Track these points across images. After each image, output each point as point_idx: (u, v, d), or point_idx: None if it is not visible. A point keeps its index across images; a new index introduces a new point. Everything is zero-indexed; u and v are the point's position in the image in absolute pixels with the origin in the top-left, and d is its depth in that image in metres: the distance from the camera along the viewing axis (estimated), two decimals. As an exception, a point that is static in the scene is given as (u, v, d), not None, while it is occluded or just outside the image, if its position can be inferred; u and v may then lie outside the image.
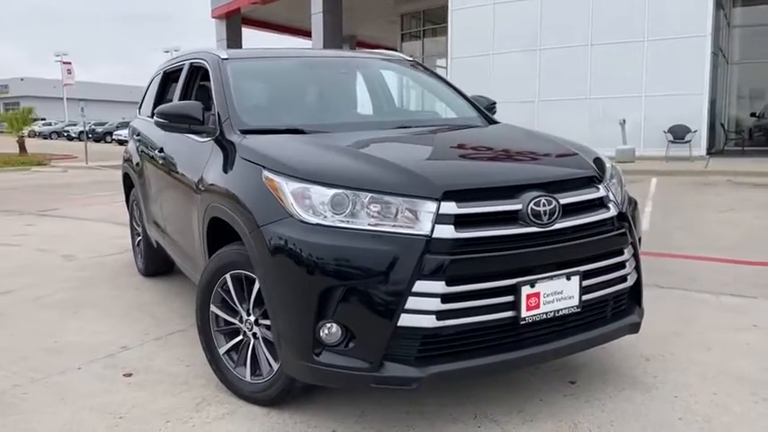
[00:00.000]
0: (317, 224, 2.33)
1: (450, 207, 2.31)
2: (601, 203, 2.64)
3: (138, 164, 4.79)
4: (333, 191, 2.36)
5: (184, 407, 2.82)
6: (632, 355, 3.26)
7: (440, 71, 23.82)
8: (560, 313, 2.46)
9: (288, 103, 3.59)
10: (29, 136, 34.63)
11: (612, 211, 2.65)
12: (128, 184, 5.35)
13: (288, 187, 2.44)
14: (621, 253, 2.66)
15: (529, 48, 17.52)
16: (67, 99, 33.64)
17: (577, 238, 2.50)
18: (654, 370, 3.08)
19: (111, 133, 41.38)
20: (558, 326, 2.51)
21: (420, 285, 2.24)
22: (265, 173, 2.57)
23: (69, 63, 24.41)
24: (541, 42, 17.38)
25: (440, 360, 2.32)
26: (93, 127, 40.31)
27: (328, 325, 2.32)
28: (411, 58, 4.18)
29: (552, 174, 2.62)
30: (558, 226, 2.45)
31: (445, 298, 2.26)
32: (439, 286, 2.25)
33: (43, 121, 50.71)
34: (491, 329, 2.37)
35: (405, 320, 2.25)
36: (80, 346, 3.60)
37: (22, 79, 72.19)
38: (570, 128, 16.40)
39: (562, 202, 2.47)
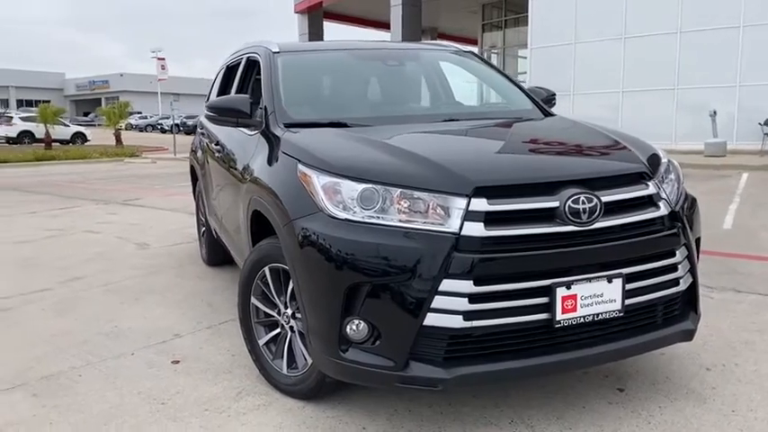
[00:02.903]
0: (346, 219, 2.30)
1: (480, 204, 2.22)
2: (650, 201, 2.46)
3: (201, 157, 4.93)
4: (362, 185, 2.32)
5: (224, 396, 2.87)
6: (691, 363, 3.05)
7: (521, 62, 23.31)
8: (601, 317, 2.32)
9: (334, 96, 3.57)
10: (125, 129, 36.59)
11: (663, 210, 2.47)
12: (194, 177, 5.52)
13: (319, 181, 2.42)
14: (673, 255, 2.48)
15: (613, 36, 16.81)
16: (161, 93, 35.14)
17: (621, 239, 2.35)
18: (713, 381, 2.86)
19: (200, 126, 42.80)
20: (599, 330, 2.37)
21: (447, 284, 2.17)
22: (300, 166, 2.56)
23: (163, 59, 25.48)
24: (626, 30, 16.63)
25: (468, 362, 2.24)
26: (184, 120, 41.99)
27: (355, 321, 2.29)
28: (467, 49, 4.07)
29: (595, 169, 2.47)
30: (598, 225, 2.31)
31: (473, 298, 2.18)
32: (466, 286, 2.17)
33: (139, 115, 53.37)
34: (523, 332, 2.27)
35: (431, 320, 2.19)
36: (137, 332, 3.73)
37: (121, 75, 76.12)
38: (656, 120, 15.69)
39: (604, 199, 2.33)
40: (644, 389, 2.80)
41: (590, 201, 2.28)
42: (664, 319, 2.55)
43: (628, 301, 2.36)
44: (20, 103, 71.44)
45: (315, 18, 28.77)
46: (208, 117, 3.38)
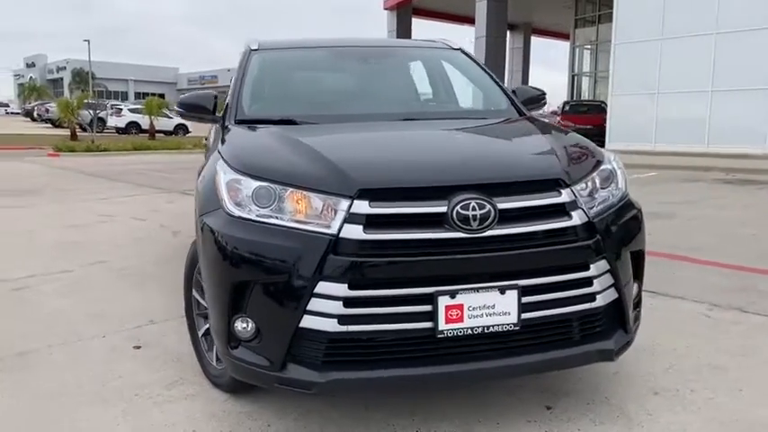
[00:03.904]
0: (239, 217, 2.32)
1: (362, 206, 2.17)
2: (561, 210, 2.31)
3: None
4: (257, 183, 2.33)
5: (160, 383, 2.97)
6: (642, 386, 2.84)
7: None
8: (493, 330, 2.21)
9: (295, 93, 3.59)
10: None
11: (575, 220, 2.31)
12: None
13: (224, 178, 2.45)
14: (586, 268, 2.31)
15: (704, 32, 15.71)
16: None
17: (518, 248, 2.22)
18: (654, 406, 2.65)
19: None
20: (495, 344, 2.26)
21: (322, 287, 2.14)
22: (217, 163, 2.61)
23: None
24: (719, 25, 15.50)
25: (344, 367, 2.20)
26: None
27: (242, 319, 2.31)
28: (457, 47, 3.95)
29: (493, 175, 2.34)
30: (492, 233, 2.19)
31: (348, 302, 2.14)
32: (341, 289, 2.13)
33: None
34: (404, 340, 2.20)
35: (307, 322, 2.17)
36: (119, 316, 3.92)
37: (228, 70, 79.54)
38: (749, 121, 14.57)
39: (500, 206, 2.21)
40: (574, 409, 2.64)
41: (482, 207, 2.18)
42: (581, 336, 2.39)
43: (526, 315, 2.23)
44: (137, 96, 76.33)
45: (403, 15, 28.86)
46: (177, 112, 3.49)
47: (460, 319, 2.17)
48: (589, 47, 27.61)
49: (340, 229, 2.16)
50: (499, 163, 2.47)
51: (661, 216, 7.47)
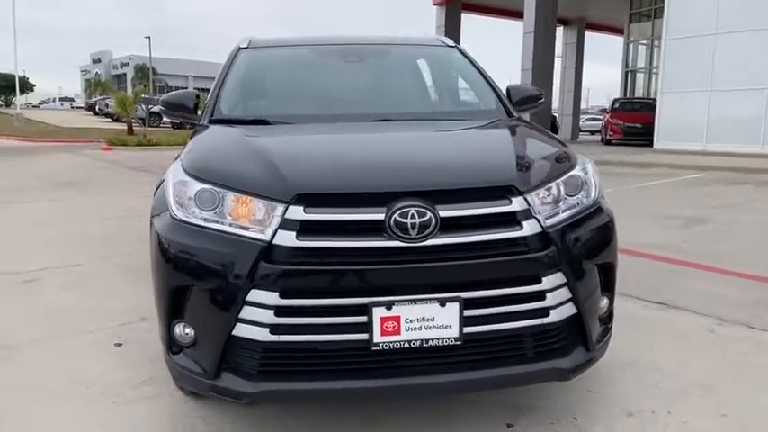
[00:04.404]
0: (181, 220, 2.28)
1: (297, 212, 2.10)
2: (511, 220, 2.18)
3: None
4: (200, 186, 2.29)
5: (129, 382, 2.97)
6: (615, 405, 2.68)
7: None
8: (433, 344, 2.10)
9: (276, 93, 3.53)
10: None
11: (526, 231, 2.17)
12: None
13: (172, 179, 2.42)
14: (537, 281, 2.18)
15: (760, 27, 14.91)
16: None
17: (461, 259, 2.11)
18: (622, 428, 2.49)
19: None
20: (438, 358, 2.16)
21: (255, 295, 2.09)
22: (173, 164, 2.58)
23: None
24: (779, 19, 14.72)
25: (276, 377, 2.14)
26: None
27: (181, 324, 2.27)
28: (452, 44, 3.82)
29: (439, 181, 2.22)
30: (432, 242, 2.08)
31: (279, 311, 2.07)
32: (272, 298, 2.07)
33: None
34: (338, 352, 2.12)
35: (240, 330, 2.12)
36: (112, 312, 3.96)
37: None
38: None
39: (443, 214, 2.10)
40: (536, 427, 2.50)
41: (422, 215, 2.07)
42: (535, 353, 2.26)
43: (469, 329, 2.12)
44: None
45: (452, 10, 28.50)
46: (161, 111, 3.50)
47: (397, 332, 2.08)
48: (644, 42, 26.69)
49: (273, 236, 2.09)
50: (447, 169, 2.35)
51: (693, 221, 7.14)
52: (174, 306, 2.26)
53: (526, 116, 3.51)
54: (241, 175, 2.30)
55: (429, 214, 2.08)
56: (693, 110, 16.21)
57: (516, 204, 2.18)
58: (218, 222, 2.21)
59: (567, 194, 2.38)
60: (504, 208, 2.18)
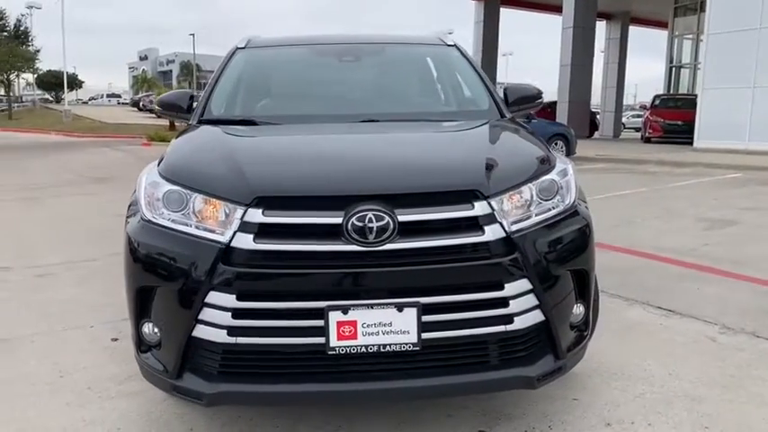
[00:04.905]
0: (149, 221, 2.30)
1: (255, 214, 2.10)
2: (473, 225, 2.13)
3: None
4: (168, 187, 2.31)
5: (116, 378, 3.03)
6: (594, 415, 2.60)
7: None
8: (391, 349, 2.08)
9: (266, 93, 3.53)
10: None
11: (488, 236, 2.12)
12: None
13: (146, 180, 2.44)
14: (500, 287, 2.13)
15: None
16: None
17: (419, 264, 2.08)
18: (598, 439, 2.43)
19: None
20: (396, 364, 2.13)
21: (213, 297, 2.10)
22: (151, 164, 2.61)
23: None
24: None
25: (233, 379, 2.14)
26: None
27: (148, 324, 2.30)
28: (451, 43, 3.76)
29: (399, 185, 2.18)
30: (390, 247, 2.06)
31: (236, 313, 2.08)
32: (230, 300, 2.08)
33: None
34: (295, 355, 2.12)
35: (199, 332, 2.13)
36: (114, 307, 4.02)
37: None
38: None
39: (401, 219, 2.07)
40: (508, 435, 2.46)
41: (380, 219, 2.05)
42: (500, 360, 2.21)
43: (428, 335, 2.08)
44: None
45: (491, 5, 28.23)
46: (156, 111, 3.54)
47: (354, 336, 2.06)
48: (690, 36, 25.94)
49: (232, 238, 2.10)
50: (409, 172, 2.31)
51: (719, 223, 6.91)
52: (141, 306, 2.29)
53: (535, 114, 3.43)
54: (208, 177, 2.31)
55: (387, 218, 2.05)
56: (736, 107, 15.64)
57: (479, 209, 2.14)
58: (184, 224, 2.22)
59: (540, 198, 2.32)
60: (465, 212, 2.13)
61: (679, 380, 2.91)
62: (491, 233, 2.13)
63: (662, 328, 3.63)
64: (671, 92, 26.01)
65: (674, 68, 26.83)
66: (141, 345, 2.35)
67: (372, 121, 3.04)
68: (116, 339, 3.51)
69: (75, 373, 3.09)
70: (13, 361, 3.25)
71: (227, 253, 2.09)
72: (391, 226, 2.05)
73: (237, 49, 3.66)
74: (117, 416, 2.66)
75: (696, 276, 4.72)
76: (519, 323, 2.17)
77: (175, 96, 3.42)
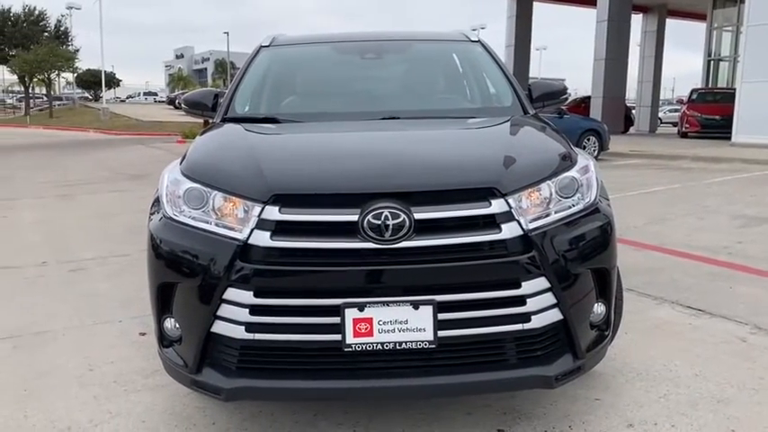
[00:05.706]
0: (170, 218, 2.34)
1: (272, 212, 2.12)
2: (490, 222, 2.12)
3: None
4: (189, 185, 2.34)
5: (143, 372, 3.09)
6: (617, 415, 2.56)
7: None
8: (407, 347, 2.08)
9: (289, 91, 3.55)
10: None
11: (505, 234, 2.10)
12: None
13: (168, 178, 2.48)
14: (517, 285, 2.11)
15: None
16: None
17: (436, 262, 2.07)
18: (619, 440, 2.39)
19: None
20: (412, 361, 2.13)
21: (231, 293, 2.12)
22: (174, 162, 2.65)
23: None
24: None
25: (251, 374, 2.17)
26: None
27: (170, 319, 2.34)
28: (475, 39, 3.73)
29: (416, 182, 2.18)
30: (406, 244, 2.06)
31: (254, 310, 2.10)
32: (247, 296, 2.10)
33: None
34: (312, 352, 2.13)
35: (218, 327, 2.16)
36: (144, 303, 4.07)
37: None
38: None
39: (418, 216, 2.07)
40: (527, 435, 2.44)
41: (396, 217, 2.05)
42: (517, 359, 2.20)
43: (444, 333, 2.08)
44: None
45: (524, -1, 27.92)
46: (183, 109, 3.60)
47: (370, 333, 2.07)
48: (729, 28, 25.27)
49: (249, 235, 2.12)
50: (425, 170, 2.30)
51: (754, 220, 6.73)
52: (162, 301, 2.33)
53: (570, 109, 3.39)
54: (228, 174, 2.33)
55: (403, 216, 2.05)
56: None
57: (496, 206, 2.12)
58: (204, 221, 2.25)
59: (560, 196, 2.30)
60: (482, 210, 2.12)
61: (706, 381, 2.85)
62: (508, 231, 2.11)
63: (691, 327, 3.56)
64: (709, 86, 25.39)
65: (712, 62, 26.18)
66: (163, 340, 2.39)
67: (394, 118, 3.04)
68: (144, 334, 3.58)
69: (103, 366, 3.16)
70: (46, 354, 3.34)
71: (244, 250, 2.12)
72: (407, 224, 2.05)
73: (262, 47, 3.69)
74: (142, 409, 2.72)
75: (729, 275, 4.61)
76: (536, 322, 2.15)
77: (200, 95, 3.47)
